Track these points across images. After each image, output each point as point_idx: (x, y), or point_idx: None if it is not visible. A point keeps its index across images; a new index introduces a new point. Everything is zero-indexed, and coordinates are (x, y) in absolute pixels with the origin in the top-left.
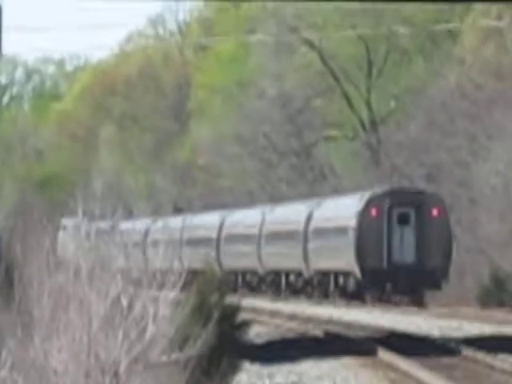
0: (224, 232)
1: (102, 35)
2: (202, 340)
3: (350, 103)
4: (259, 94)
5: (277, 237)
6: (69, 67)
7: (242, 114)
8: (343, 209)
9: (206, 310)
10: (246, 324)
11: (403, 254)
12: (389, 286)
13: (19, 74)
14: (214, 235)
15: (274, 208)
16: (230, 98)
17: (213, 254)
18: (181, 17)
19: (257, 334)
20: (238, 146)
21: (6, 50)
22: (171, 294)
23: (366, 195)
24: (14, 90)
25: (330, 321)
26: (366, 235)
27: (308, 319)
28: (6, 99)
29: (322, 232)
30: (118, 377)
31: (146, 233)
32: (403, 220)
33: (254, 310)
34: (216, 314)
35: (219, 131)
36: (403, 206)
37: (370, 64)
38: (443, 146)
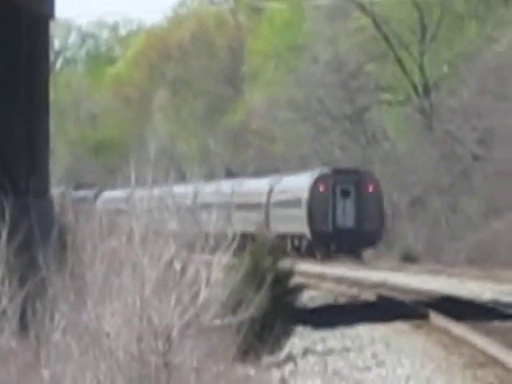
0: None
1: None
2: (255, 304)
3: (403, 68)
4: (313, 58)
5: (244, 206)
6: (122, 31)
7: (296, 78)
8: (297, 184)
9: (259, 274)
10: (298, 288)
11: (345, 221)
12: (333, 246)
13: (73, 38)
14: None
15: (241, 181)
16: (284, 63)
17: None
18: None
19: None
20: (291, 111)
21: (60, 14)
22: (224, 258)
23: (316, 173)
24: (68, 54)
25: (382, 285)
26: (316, 205)
27: (360, 283)
28: (59, 64)
29: (280, 203)
30: (171, 341)
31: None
32: (345, 194)
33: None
34: (269, 278)
35: (273, 96)
36: (345, 183)
37: (424, 28)
38: (495, 111)
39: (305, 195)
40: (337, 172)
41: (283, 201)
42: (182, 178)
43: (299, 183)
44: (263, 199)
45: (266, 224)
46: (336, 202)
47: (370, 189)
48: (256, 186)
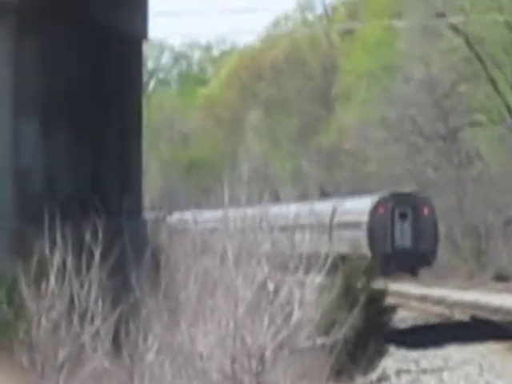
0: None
1: (248, 20)
2: (348, 324)
3: (496, 88)
4: (405, 78)
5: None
6: (215, 52)
7: (388, 98)
8: (358, 207)
9: (352, 295)
10: (392, 308)
11: (403, 241)
12: (392, 265)
13: (166, 58)
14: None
15: (303, 204)
16: (376, 83)
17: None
18: (328, 1)
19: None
20: (384, 131)
21: (153, 34)
22: (317, 278)
23: (376, 198)
24: (161, 75)
25: (475, 305)
26: (376, 227)
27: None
28: (152, 84)
29: (342, 224)
30: (264, 361)
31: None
32: (403, 216)
33: None
34: (362, 298)
35: (365, 115)
36: (403, 206)
37: None
38: None
39: (365, 218)
40: (395, 196)
41: (345, 223)
42: (276, 198)
43: (360, 206)
44: (326, 221)
45: (329, 243)
46: (395, 224)
47: (426, 212)
48: (320, 209)
